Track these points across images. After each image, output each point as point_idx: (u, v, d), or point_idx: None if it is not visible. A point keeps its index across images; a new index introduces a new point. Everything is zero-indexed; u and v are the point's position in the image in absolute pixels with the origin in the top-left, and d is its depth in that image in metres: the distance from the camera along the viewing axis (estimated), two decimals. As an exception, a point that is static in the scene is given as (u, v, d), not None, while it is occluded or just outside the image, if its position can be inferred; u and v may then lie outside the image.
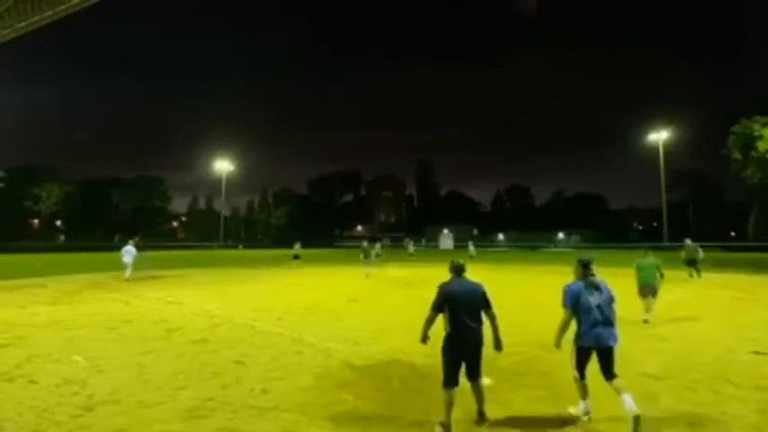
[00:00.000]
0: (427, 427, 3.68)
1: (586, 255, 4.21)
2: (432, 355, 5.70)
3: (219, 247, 54.26)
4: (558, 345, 3.89)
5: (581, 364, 3.81)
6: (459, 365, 3.66)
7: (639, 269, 8.78)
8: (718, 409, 4.04)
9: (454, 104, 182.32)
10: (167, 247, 50.79)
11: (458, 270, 3.88)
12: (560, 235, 76.18)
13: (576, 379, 3.85)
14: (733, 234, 57.71)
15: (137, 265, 16.71)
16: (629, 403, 3.40)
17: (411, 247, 34.71)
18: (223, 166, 58.10)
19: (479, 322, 3.71)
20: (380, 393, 4.49)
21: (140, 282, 15.45)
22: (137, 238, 17.39)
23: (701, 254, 16.23)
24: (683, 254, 16.84)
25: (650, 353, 6.02)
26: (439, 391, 3.69)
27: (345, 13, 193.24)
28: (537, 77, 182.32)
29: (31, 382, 4.76)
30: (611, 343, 3.70)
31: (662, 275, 8.56)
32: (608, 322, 3.71)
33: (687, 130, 64.74)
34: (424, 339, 3.79)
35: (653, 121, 44.02)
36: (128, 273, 15.91)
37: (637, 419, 3.31)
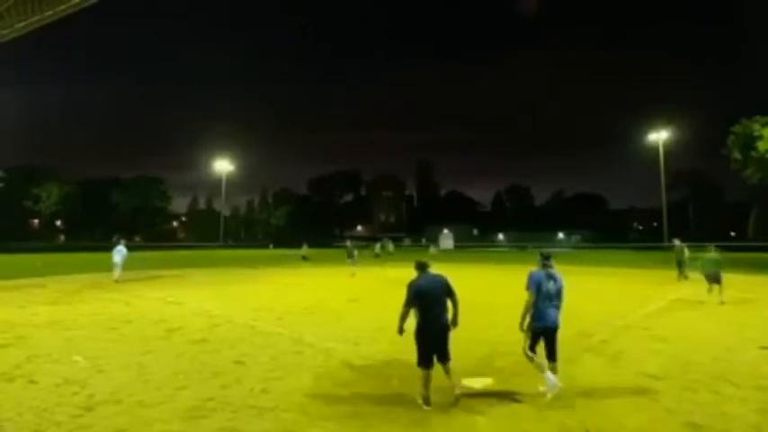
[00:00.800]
0: (427, 427, 3.68)
1: (547, 250, 4.76)
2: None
3: (219, 247, 54.18)
4: (522, 327, 4.42)
5: (534, 344, 4.40)
6: (431, 350, 4.17)
7: (705, 262, 10.65)
8: (719, 409, 4.04)
9: (454, 104, 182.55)
10: (167, 248, 50.71)
11: (422, 267, 4.41)
12: (560, 235, 76.18)
13: (530, 358, 4.39)
14: (733, 234, 57.69)
15: (134, 265, 16.68)
16: (552, 380, 4.21)
17: (390, 246, 35.91)
18: (223, 166, 58.07)
19: (444, 309, 4.23)
20: (380, 393, 4.49)
21: (140, 282, 15.45)
22: (120, 237, 16.63)
23: (686, 254, 16.15)
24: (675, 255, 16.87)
25: (650, 353, 6.02)
26: (438, 391, 3.70)
27: (345, 13, 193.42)
28: (537, 77, 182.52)
29: (31, 382, 4.76)
30: (558, 324, 4.40)
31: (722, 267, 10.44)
32: (558, 308, 4.41)
33: (687, 130, 64.60)
34: (401, 331, 4.34)
35: (653, 121, 43.98)
36: (116, 273, 15.29)
37: (560, 390, 4.18)
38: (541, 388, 4.32)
